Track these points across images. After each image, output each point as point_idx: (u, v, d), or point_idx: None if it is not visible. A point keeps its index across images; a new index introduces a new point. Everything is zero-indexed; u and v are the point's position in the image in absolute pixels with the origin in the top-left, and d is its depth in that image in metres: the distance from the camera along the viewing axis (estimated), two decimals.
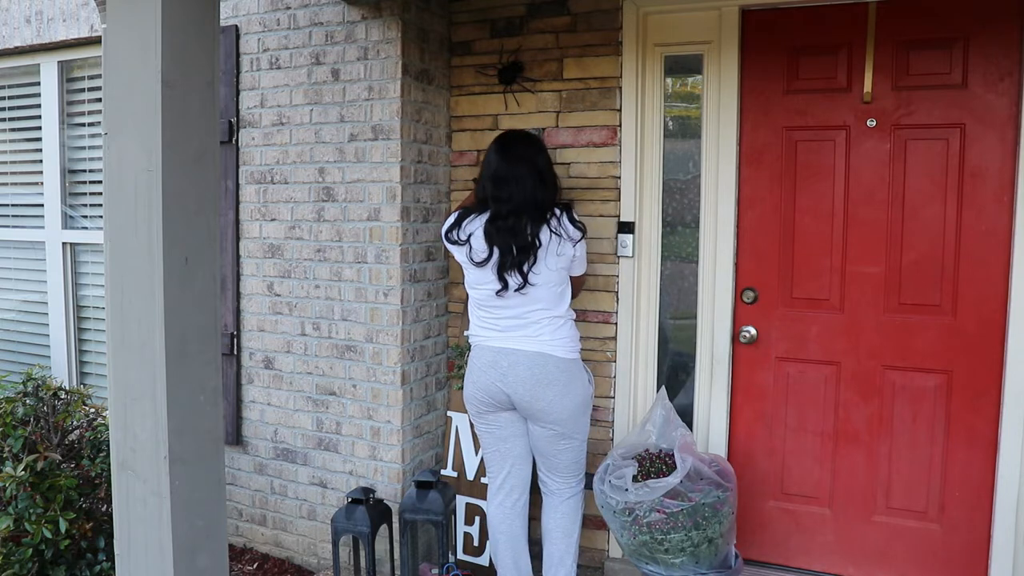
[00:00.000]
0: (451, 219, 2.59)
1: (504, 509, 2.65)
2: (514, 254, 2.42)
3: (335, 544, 2.77)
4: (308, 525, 3.18)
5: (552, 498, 2.63)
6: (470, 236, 2.51)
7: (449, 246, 2.60)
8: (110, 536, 2.68)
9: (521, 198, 2.44)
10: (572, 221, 2.47)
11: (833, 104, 2.73)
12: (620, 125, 2.89)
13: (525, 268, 2.42)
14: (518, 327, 2.49)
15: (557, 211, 2.47)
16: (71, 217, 4.01)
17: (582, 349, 2.62)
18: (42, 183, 4.03)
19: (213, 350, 1.75)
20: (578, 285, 2.65)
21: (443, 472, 3.06)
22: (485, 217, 2.50)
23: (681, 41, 2.87)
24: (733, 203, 2.84)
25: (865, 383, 2.76)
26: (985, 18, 2.53)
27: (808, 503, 2.87)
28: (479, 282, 2.52)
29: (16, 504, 2.57)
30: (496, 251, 2.44)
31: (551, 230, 2.44)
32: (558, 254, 2.45)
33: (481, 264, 2.48)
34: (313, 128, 3.02)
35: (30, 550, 2.55)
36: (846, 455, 2.80)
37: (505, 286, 2.44)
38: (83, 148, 3.95)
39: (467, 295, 3.14)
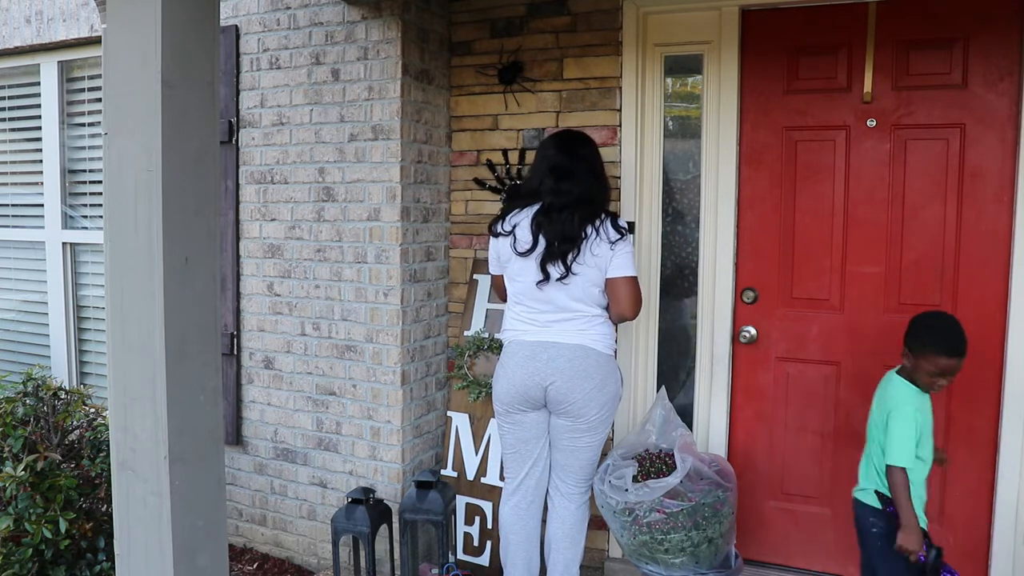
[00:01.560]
0: (496, 216, 2.63)
1: (519, 510, 2.63)
2: (557, 245, 2.44)
3: (335, 544, 2.77)
4: (308, 525, 3.18)
5: (562, 505, 2.61)
6: (515, 227, 2.53)
7: (493, 239, 2.61)
8: (110, 536, 2.68)
9: (580, 193, 2.47)
10: (615, 225, 2.46)
11: (833, 104, 2.73)
12: (620, 125, 2.89)
13: (569, 259, 2.42)
14: (557, 322, 2.48)
15: (603, 215, 2.48)
16: (71, 217, 4.01)
17: None
18: (42, 183, 4.03)
19: (213, 350, 1.75)
20: (628, 292, 2.46)
21: (443, 472, 3.06)
22: (534, 209, 2.52)
23: (681, 41, 2.87)
24: (733, 203, 2.84)
25: (865, 383, 2.76)
26: (985, 18, 2.53)
27: (808, 503, 2.87)
28: (520, 273, 2.52)
29: (16, 504, 2.57)
30: (543, 241, 2.46)
31: (594, 227, 2.45)
32: (593, 253, 2.44)
33: (525, 254, 2.48)
34: (313, 128, 3.02)
35: (30, 550, 2.55)
36: (846, 455, 2.79)
37: (547, 277, 2.45)
38: (83, 148, 3.95)
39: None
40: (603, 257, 2.44)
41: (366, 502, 2.74)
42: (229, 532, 3.31)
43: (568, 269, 2.43)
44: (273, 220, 3.13)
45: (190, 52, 1.65)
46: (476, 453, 3.03)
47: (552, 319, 2.49)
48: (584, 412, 2.47)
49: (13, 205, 4.21)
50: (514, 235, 2.52)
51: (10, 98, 4.14)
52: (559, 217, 2.45)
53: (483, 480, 3.01)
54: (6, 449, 2.71)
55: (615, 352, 2.59)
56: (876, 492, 2.20)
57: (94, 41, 3.68)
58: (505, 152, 3.07)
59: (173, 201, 1.62)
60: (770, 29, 2.79)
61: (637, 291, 2.49)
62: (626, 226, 2.48)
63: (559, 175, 2.49)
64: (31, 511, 2.56)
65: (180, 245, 1.65)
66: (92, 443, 2.88)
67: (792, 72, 2.78)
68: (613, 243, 2.43)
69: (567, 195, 2.47)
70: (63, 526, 2.55)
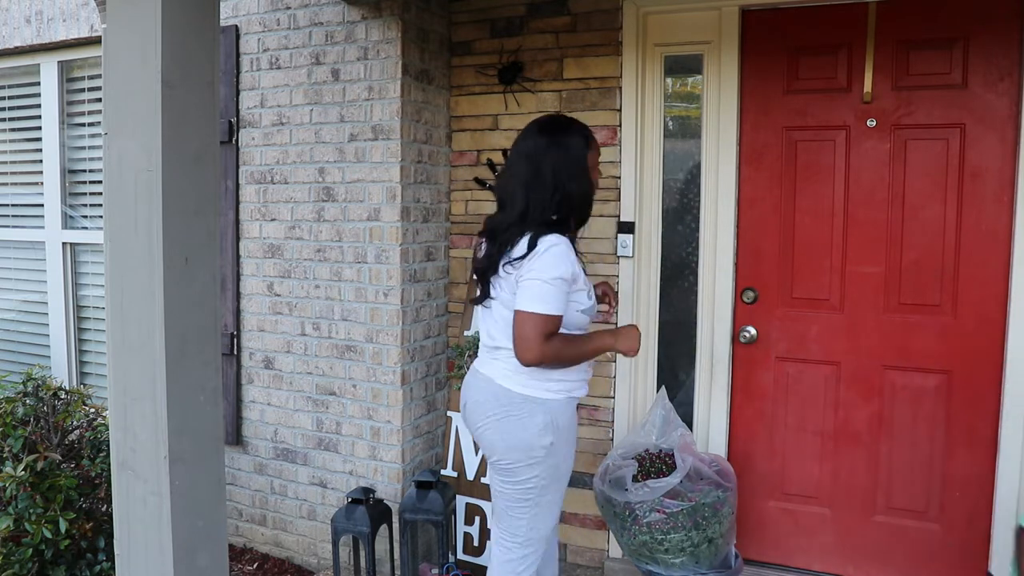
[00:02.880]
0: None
1: None
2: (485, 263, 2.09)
3: (335, 544, 2.77)
4: (308, 525, 3.18)
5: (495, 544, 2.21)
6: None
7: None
8: (110, 536, 2.68)
9: (515, 201, 2.04)
10: (532, 241, 1.96)
11: (833, 104, 2.73)
12: (620, 125, 2.89)
13: (489, 274, 2.05)
14: (487, 349, 2.14)
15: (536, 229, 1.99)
16: (71, 217, 4.01)
17: None
18: (42, 183, 4.03)
19: (213, 350, 1.75)
20: (528, 326, 1.92)
21: (443, 472, 3.06)
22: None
23: (681, 41, 2.87)
24: (733, 203, 2.84)
25: (865, 383, 2.76)
26: (985, 18, 2.53)
27: (808, 503, 2.87)
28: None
29: (16, 504, 2.57)
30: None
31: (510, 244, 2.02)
32: (503, 274, 2.02)
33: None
34: (313, 128, 3.02)
35: (30, 550, 2.55)
36: (846, 455, 2.80)
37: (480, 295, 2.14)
38: (83, 148, 3.95)
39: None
40: (508, 277, 2.00)
41: (366, 502, 2.74)
42: (229, 532, 3.31)
43: (486, 292, 2.09)
44: (273, 220, 3.13)
45: (190, 52, 1.65)
46: (476, 453, 3.03)
47: (484, 345, 2.17)
48: (488, 449, 2.11)
49: (13, 205, 4.21)
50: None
51: (10, 98, 4.14)
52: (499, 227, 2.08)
53: (483, 480, 3.01)
54: (6, 449, 2.71)
55: (552, 395, 2.04)
56: None
57: (94, 41, 3.68)
58: (505, 152, 3.07)
59: (173, 201, 1.62)
60: (770, 29, 2.79)
61: (535, 327, 1.92)
62: (548, 240, 1.96)
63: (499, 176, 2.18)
64: (31, 511, 2.56)
65: (180, 245, 1.65)
66: (92, 443, 2.87)
67: (792, 72, 2.78)
68: (515, 260, 1.98)
69: (505, 216, 2.07)
70: (63, 526, 2.55)
